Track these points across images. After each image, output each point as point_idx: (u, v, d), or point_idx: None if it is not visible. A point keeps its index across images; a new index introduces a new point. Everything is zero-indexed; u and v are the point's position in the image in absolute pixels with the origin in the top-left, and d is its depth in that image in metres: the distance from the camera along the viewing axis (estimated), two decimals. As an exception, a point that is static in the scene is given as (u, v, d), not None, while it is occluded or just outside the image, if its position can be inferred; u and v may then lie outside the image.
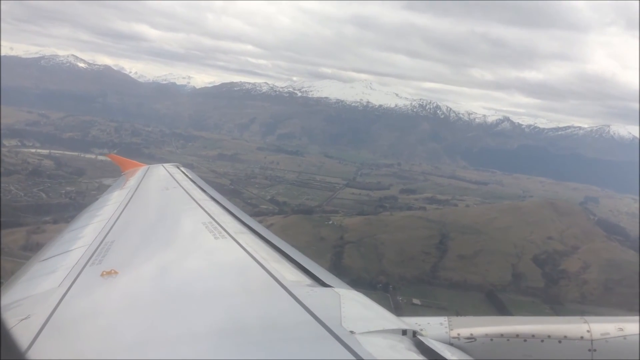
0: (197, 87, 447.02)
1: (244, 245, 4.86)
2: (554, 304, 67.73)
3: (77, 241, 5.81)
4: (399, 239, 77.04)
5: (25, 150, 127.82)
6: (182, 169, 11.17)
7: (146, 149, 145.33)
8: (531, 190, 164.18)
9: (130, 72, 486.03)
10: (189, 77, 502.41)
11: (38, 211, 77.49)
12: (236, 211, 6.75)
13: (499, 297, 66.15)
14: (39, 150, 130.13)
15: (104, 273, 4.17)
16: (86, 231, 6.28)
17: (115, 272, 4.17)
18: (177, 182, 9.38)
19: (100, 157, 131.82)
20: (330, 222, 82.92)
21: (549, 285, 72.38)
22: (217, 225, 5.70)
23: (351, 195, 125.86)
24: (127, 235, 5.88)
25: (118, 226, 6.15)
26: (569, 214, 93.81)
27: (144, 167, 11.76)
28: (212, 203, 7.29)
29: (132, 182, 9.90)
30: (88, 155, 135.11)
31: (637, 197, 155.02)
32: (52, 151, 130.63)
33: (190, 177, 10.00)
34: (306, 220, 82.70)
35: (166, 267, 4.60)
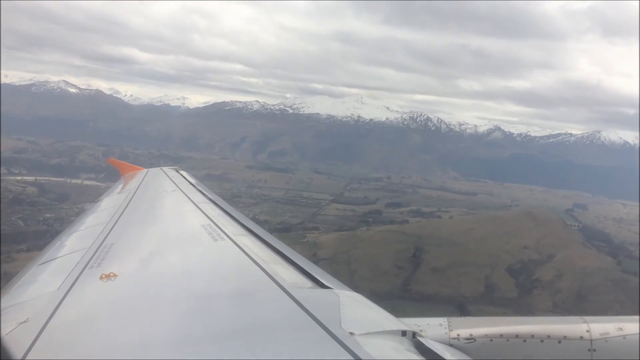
0: (191, 108, 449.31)
1: (242, 247, 4.88)
2: (525, 313, 67.76)
3: (76, 244, 5.81)
4: (373, 254, 77.08)
5: (11, 177, 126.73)
6: (181, 172, 11.26)
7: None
8: (520, 199, 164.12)
9: (125, 95, 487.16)
10: (183, 98, 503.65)
11: (14, 239, 77.12)
12: (235, 214, 6.78)
13: (469, 308, 66.15)
14: (24, 178, 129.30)
15: (103, 276, 4.16)
16: (85, 234, 6.27)
17: (115, 275, 4.17)
18: (176, 185, 9.42)
19: (86, 182, 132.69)
20: (305, 240, 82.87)
21: (521, 295, 72.40)
22: (216, 228, 5.68)
23: (335, 211, 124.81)
24: (126, 238, 5.90)
25: (117, 229, 6.16)
26: (546, 223, 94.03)
27: (143, 171, 11.81)
28: (211, 205, 7.32)
29: (131, 185, 10.00)
30: (74, 181, 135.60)
31: (628, 203, 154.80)
32: (38, 178, 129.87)
33: (189, 180, 10.04)
34: (281, 238, 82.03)
35: (165, 269, 4.64)
